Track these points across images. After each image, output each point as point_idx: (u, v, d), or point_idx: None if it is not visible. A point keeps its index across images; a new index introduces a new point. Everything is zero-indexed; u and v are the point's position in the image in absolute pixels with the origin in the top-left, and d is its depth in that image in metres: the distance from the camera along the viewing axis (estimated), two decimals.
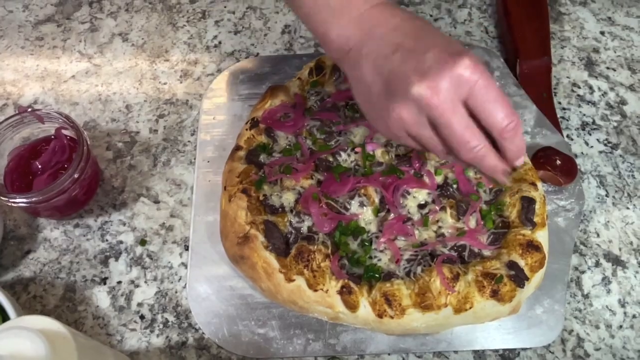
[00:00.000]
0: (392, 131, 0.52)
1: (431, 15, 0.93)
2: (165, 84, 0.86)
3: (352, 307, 0.64)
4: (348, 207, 0.70)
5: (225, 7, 0.94)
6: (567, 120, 0.83)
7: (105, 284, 0.72)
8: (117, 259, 0.73)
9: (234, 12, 0.93)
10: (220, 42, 0.90)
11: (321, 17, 0.55)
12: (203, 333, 0.69)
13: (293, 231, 0.68)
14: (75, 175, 0.69)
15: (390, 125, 0.51)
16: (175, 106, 0.84)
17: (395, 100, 0.49)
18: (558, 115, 0.82)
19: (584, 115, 0.84)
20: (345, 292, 0.64)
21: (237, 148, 0.75)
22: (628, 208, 0.77)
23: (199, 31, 0.91)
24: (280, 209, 0.70)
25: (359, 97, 0.54)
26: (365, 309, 0.64)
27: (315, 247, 0.66)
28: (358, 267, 0.67)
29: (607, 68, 0.88)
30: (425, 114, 0.48)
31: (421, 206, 0.71)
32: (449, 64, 0.46)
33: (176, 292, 0.71)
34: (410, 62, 0.48)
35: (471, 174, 0.72)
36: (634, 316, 0.70)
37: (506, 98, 0.48)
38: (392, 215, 0.69)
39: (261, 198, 0.70)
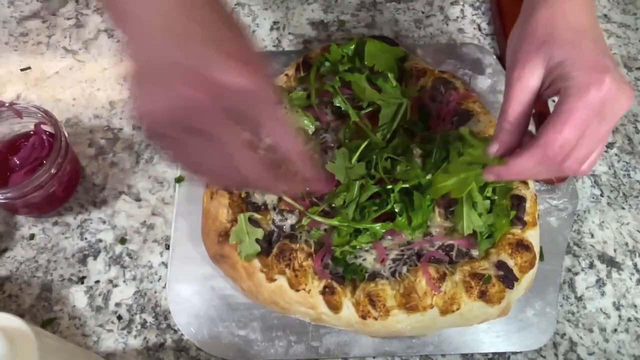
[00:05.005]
0: (149, 125, 0.42)
1: (423, 12, 0.91)
2: None
3: (335, 307, 0.62)
4: (333, 204, 0.68)
5: None
6: None
7: (82, 283, 0.70)
8: (95, 257, 0.71)
9: None
10: None
11: None
12: (182, 334, 0.67)
13: (276, 229, 0.66)
14: (53, 171, 0.67)
15: (148, 115, 0.41)
16: None
17: (159, 88, 0.40)
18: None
19: None
20: (327, 293, 0.62)
21: None
22: (623, 208, 0.74)
23: None
24: (262, 207, 0.68)
25: (127, 75, 0.41)
26: (348, 310, 0.62)
27: (298, 245, 0.64)
28: (342, 266, 0.64)
29: None
30: (192, 120, 0.41)
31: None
32: (231, 71, 0.40)
33: (155, 292, 0.69)
34: (187, 54, 0.39)
35: None
36: (629, 319, 0.68)
37: (288, 118, 0.44)
38: None
39: (243, 195, 0.68)
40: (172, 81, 0.40)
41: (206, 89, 0.39)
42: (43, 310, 0.68)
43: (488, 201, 0.64)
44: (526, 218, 0.65)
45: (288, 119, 0.44)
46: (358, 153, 0.67)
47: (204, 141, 0.42)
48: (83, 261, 0.71)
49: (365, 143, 0.68)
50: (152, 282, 0.70)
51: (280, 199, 0.68)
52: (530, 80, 0.49)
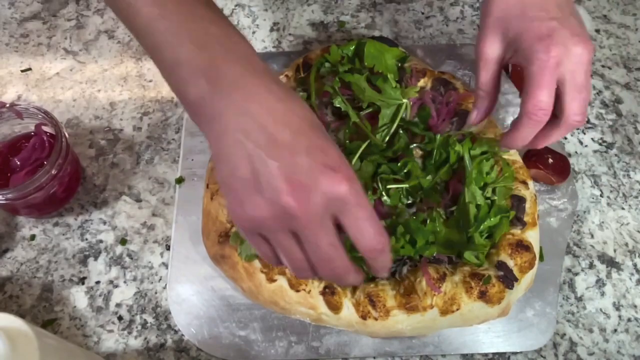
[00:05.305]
0: (247, 226, 0.47)
1: (423, 13, 0.91)
2: (150, 81, 0.84)
3: (335, 308, 0.62)
4: None
5: None
6: None
7: (83, 284, 0.70)
8: (96, 258, 0.71)
9: (222, 9, 0.92)
10: None
11: (182, 75, 0.47)
12: (182, 335, 0.67)
13: None
14: (53, 172, 0.67)
15: (247, 218, 0.46)
16: (160, 104, 0.82)
17: (260, 196, 0.44)
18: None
19: None
20: (327, 293, 0.62)
21: None
22: (623, 208, 0.75)
23: None
24: None
25: (222, 172, 0.46)
26: (348, 310, 0.62)
27: None
28: None
29: (603, 66, 0.86)
30: (289, 224, 0.45)
31: (409, 205, 0.69)
32: (324, 177, 0.43)
33: (156, 292, 0.69)
34: (281, 162, 0.43)
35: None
36: (629, 320, 0.68)
37: (376, 217, 0.46)
38: None
39: None
40: (277, 193, 0.43)
41: (309, 198, 0.43)
42: (44, 310, 0.68)
43: (488, 201, 0.64)
44: (526, 218, 0.65)
45: (374, 218, 0.46)
46: (358, 154, 0.67)
47: (296, 241, 0.46)
48: (84, 262, 0.71)
49: (365, 144, 0.68)
50: (152, 282, 0.70)
51: None
52: (490, 53, 0.58)
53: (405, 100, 0.70)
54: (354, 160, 0.67)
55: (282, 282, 0.63)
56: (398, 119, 0.70)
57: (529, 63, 0.53)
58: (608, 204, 0.75)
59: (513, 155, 0.71)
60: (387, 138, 0.70)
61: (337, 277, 0.48)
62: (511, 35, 0.55)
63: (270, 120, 0.44)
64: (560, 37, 0.52)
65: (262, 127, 0.44)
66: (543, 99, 0.52)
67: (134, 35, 0.52)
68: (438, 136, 0.68)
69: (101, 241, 0.73)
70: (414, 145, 0.70)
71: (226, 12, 0.91)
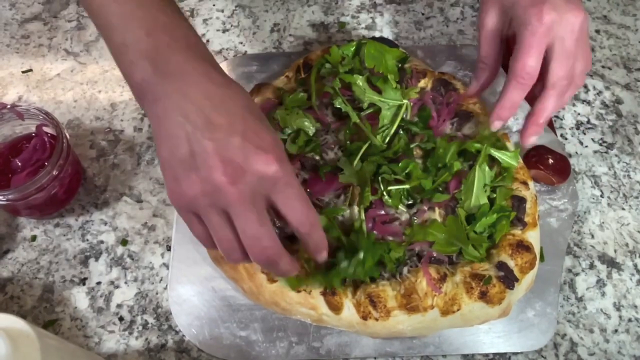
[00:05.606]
0: (182, 203, 0.49)
1: (423, 14, 0.91)
2: None
3: (336, 308, 0.62)
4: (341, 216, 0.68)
5: (214, 5, 0.92)
6: (562, 120, 0.82)
7: (84, 284, 0.70)
8: (97, 259, 0.71)
9: (222, 11, 0.92)
10: (208, 41, 0.89)
11: (128, 57, 0.50)
12: (183, 335, 0.67)
13: (277, 230, 0.66)
14: (54, 173, 0.68)
15: (181, 195, 0.48)
16: None
17: (195, 174, 0.46)
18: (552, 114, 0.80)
19: (579, 114, 0.82)
20: (328, 293, 0.62)
21: None
22: (624, 209, 0.75)
23: None
24: None
25: (162, 152, 0.49)
26: (349, 311, 0.62)
27: (299, 246, 0.64)
28: None
29: (603, 67, 0.86)
30: (220, 201, 0.47)
31: (409, 206, 0.69)
32: (256, 157, 0.46)
33: (157, 293, 0.69)
34: (217, 143, 0.46)
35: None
36: (629, 320, 0.68)
37: (305, 195, 0.49)
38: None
39: None
40: (211, 170, 0.45)
41: (241, 177, 0.46)
42: (45, 311, 0.68)
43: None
44: (526, 219, 0.66)
45: (304, 196, 0.49)
46: (359, 155, 0.67)
47: (227, 221, 0.48)
48: (84, 262, 0.71)
49: (366, 145, 0.68)
50: (153, 283, 0.70)
51: None
52: (490, 24, 0.61)
53: (405, 101, 0.70)
54: (355, 161, 0.67)
55: (282, 282, 0.63)
56: (398, 119, 0.70)
57: (521, 27, 0.56)
58: (608, 205, 0.75)
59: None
60: (387, 139, 0.70)
61: (268, 260, 0.50)
62: (507, 5, 0.59)
63: (208, 104, 0.47)
64: (553, 4, 0.54)
65: (200, 110, 0.46)
66: (531, 63, 0.55)
67: (88, 15, 0.55)
68: (453, 145, 0.68)
69: (102, 242, 0.73)
70: (414, 144, 0.70)
71: (227, 13, 0.92)
